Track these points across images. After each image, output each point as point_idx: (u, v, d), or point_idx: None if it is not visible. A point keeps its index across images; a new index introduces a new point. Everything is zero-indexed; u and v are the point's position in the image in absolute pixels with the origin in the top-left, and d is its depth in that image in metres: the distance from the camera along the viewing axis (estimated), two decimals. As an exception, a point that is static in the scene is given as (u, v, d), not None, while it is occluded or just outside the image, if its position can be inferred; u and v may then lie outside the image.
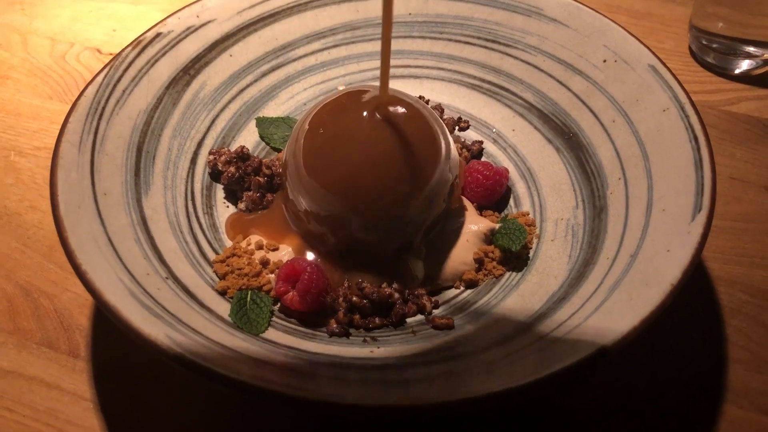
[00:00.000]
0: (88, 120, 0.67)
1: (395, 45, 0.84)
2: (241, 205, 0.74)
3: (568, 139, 0.76)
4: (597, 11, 0.79)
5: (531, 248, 0.70)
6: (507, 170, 0.75)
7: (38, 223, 0.79)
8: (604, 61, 0.76)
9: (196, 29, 0.79)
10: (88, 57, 1.01)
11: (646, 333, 0.52)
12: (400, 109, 0.65)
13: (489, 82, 0.83)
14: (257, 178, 0.73)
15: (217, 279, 0.66)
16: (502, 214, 0.74)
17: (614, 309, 0.55)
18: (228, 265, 0.67)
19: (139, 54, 0.74)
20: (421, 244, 0.68)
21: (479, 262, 0.69)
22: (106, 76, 0.71)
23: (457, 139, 0.80)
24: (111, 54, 1.01)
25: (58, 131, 0.65)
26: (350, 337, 0.63)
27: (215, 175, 0.76)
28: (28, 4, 1.11)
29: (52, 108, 0.94)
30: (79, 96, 0.68)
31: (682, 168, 0.64)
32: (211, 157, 0.75)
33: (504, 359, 0.55)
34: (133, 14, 1.09)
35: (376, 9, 0.86)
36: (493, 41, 0.84)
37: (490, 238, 0.70)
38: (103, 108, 0.69)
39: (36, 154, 0.87)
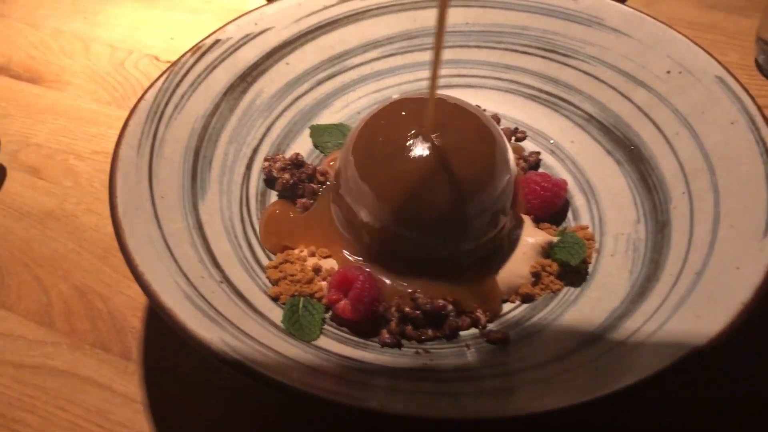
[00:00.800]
0: (147, 123, 0.67)
1: (451, 54, 0.84)
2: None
3: (629, 152, 0.74)
4: (661, 21, 0.77)
5: (590, 263, 0.68)
6: (566, 182, 0.74)
7: (94, 226, 0.80)
8: (668, 72, 0.74)
9: (254, 37, 0.80)
10: (146, 64, 1.03)
11: (713, 354, 0.49)
12: (461, 118, 0.64)
13: (547, 93, 0.82)
14: (311, 185, 0.73)
15: (269, 285, 0.66)
16: (560, 228, 0.72)
17: (679, 327, 0.53)
18: (281, 271, 0.66)
19: (198, 60, 0.75)
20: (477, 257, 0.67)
21: (536, 276, 0.67)
22: (165, 80, 0.71)
23: (516, 149, 0.78)
24: (168, 61, 1.03)
25: (115, 136, 0.66)
26: (402, 348, 0.62)
27: (270, 181, 0.76)
28: (91, 13, 1.14)
29: (110, 113, 0.95)
30: (139, 100, 0.69)
31: (752, 183, 0.61)
32: (266, 163, 0.76)
33: (561, 375, 0.54)
34: (192, 23, 1.11)
35: (432, 18, 0.85)
36: (552, 51, 0.82)
37: (547, 251, 0.68)
38: (162, 112, 0.69)
39: (94, 158, 0.89)
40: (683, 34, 0.74)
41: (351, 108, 0.84)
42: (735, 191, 0.62)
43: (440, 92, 0.80)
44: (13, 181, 0.86)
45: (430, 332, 0.63)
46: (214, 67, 0.76)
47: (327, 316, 0.65)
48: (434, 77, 0.60)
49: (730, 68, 0.71)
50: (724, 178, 0.63)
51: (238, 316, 0.56)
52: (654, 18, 0.77)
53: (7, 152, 0.89)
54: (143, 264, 0.55)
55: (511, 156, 0.67)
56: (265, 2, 1.06)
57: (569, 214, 0.74)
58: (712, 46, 1.00)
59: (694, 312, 0.54)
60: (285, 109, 0.81)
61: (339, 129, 0.81)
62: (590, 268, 0.68)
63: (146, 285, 0.53)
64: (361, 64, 0.85)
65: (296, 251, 0.69)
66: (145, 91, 0.70)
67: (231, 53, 0.78)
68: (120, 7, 1.15)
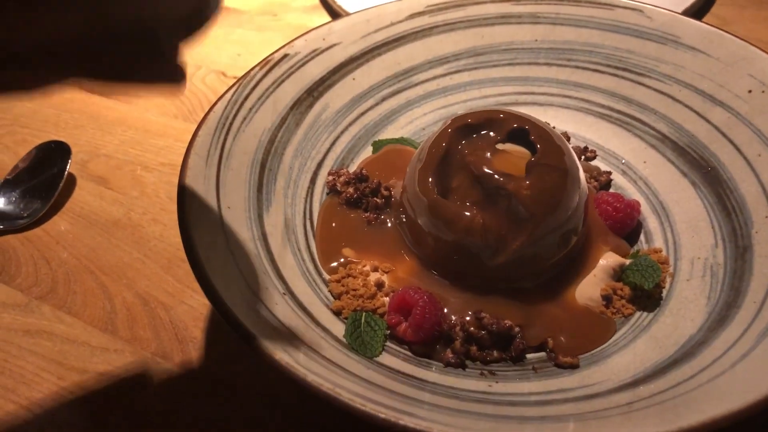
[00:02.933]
0: (216, 135, 0.68)
1: (520, 72, 0.83)
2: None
3: (706, 174, 0.71)
4: (741, 38, 0.74)
5: (664, 287, 0.65)
6: (638, 203, 0.71)
7: (159, 236, 0.81)
8: (750, 91, 0.71)
9: (322, 52, 0.80)
10: (213, 79, 1.05)
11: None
12: (533, 137, 0.63)
13: (618, 111, 0.80)
14: (374, 199, 0.72)
15: (332, 298, 0.65)
16: (632, 250, 0.70)
17: (766, 359, 0.50)
18: (343, 285, 0.65)
19: (266, 74, 0.75)
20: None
21: (607, 299, 0.64)
22: (234, 93, 0.72)
23: (588, 169, 0.76)
24: (235, 77, 1.04)
25: (181, 149, 0.67)
26: (466, 369, 0.60)
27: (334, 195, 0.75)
28: (161, 30, 1.16)
29: (177, 126, 0.97)
30: (209, 111, 0.69)
31: (843, 207, 0.58)
32: (330, 177, 0.75)
33: (636, 403, 0.51)
34: (258, 40, 1.12)
35: (501, 35, 0.85)
36: (624, 69, 0.80)
37: (619, 274, 0.65)
38: (230, 124, 0.70)
39: (160, 170, 0.90)
40: (766, 52, 0.71)
41: (415, 124, 0.84)
42: (825, 215, 0.58)
43: (509, 108, 0.79)
44: (82, 190, 0.88)
45: (495, 353, 0.61)
46: (282, 81, 0.76)
47: (389, 332, 0.63)
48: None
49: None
50: (813, 201, 0.60)
51: (301, 328, 0.56)
52: (734, 35, 0.74)
53: (77, 162, 0.91)
54: (211, 271, 0.54)
55: (582, 176, 0.65)
56: (329, 19, 1.06)
57: (642, 237, 0.71)
58: (792, 67, 0.96)
59: (782, 342, 0.50)
60: (350, 124, 0.81)
61: (400, 143, 0.80)
62: (664, 293, 0.65)
63: (213, 292, 0.53)
64: (427, 80, 0.85)
65: (359, 266, 0.68)
66: (215, 103, 0.70)
67: (299, 67, 0.78)
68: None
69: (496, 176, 0.61)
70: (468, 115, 0.68)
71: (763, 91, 0.69)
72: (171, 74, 1.06)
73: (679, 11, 0.96)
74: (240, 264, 0.59)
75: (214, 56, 1.10)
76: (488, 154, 0.63)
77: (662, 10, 0.79)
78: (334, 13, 1.11)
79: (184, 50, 1.11)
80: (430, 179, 0.64)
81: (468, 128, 0.66)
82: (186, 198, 0.60)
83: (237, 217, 0.64)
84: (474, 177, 0.62)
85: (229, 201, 0.65)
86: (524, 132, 0.65)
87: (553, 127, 0.78)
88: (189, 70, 1.07)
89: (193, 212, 0.59)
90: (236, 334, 0.50)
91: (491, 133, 0.64)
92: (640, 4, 0.80)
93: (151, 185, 0.88)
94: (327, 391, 0.46)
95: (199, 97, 1.02)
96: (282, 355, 0.49)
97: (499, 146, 0.65)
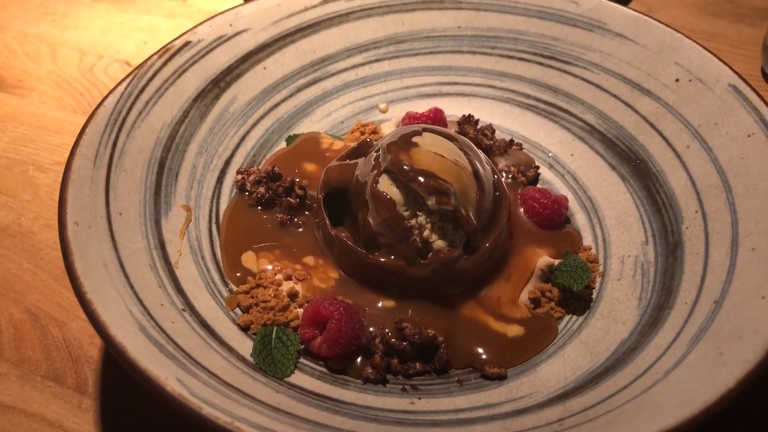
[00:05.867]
0: (107, 132, 0.61)
1: (442, 60, 0.79)
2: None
3: (635, 166, 0.68)
4: (668, 25, 0.71)
5: (594, 288, 0.62)
6: (566, 198, 0.68)
7: (53, 244, 0.74)
8: (677, 80, 0.68)
9: (229, 39, 0.74)
10: (117, 69, 0.97)
11: (743, 396, 0.43)
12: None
13: (545, 102, 0.76)
14: (288, 199, 0.67)
15: (240, 312, 0.59)
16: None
17: (700, 365, 0.47)
18: (252, 297, 0.60)
19: (165, 63, 0.68)
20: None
21: (535, 303, 0.61)
22: (129, 85, 0.65)
23: (518, 161, 0.72)
24: (141, 67, 0.96)
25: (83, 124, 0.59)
26: (387, 385, 0.55)
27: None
28: (60, 15, 1.07)
29: (76, 121, 0.88)
30: (98, 106, 0.62)
31: (774, 201, 0.55)
32: (239, 176, 0.69)
33: (567, 420, 0.47)
34: (167, 27, 1.04)
35: (422, 21, 0.80)
36: (550, 57, 0.76)
37: (547, 275, 0.62)
38: (124, 119, 0.63)
39: (56, 170, 0.82)
40: (693, 40, 0.69)
41: (333, 117, 0.78)
42: (754, 210, 0.56)
43: (431, 101, 0.75)
44: (-34, 194, 0.79)
45: (418, 366, 0.56)
46: (184, 71, 0.70)
47: (303, 347, 0.58)
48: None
49: (737, 77, 0.66)
50: (742, 196, 0.58)
51: (201, 349, 0.50)
52: (661, 22, 0.71)
53: (-41, 163, 0.82)
54: (93, 290, 0.48)
55: (489, 179, 0.61)
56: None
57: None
58: (717, 54, 0.95)
59: (716, 347, 0.47)
60: (261, 117, 0.75)
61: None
62: (594, 294, 0.62)
63: (94, 315, 0.46)
64: (345, 69, 0.79)
65: (270, 273, 0.62)
66: (105, 97, 0.63)
67: (203, 56, 0.71)
68: (91, 10, 1.08)
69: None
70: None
71: (690, 80, 0.67)
72: (70, 64, 0.97)
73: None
74: (132, 278, 0.53)
75: (118, 45, 1.01)
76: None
77: (588, -5, 0.75)
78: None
79: (85, 38, 1.02)
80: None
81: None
82: (67, 206, 0.53)
83: (130, 225, 0.57)
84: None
85: (121, 206, 0.58)
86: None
87: (476, 120, 0.74)
88: (91, 60, 0.98)
89: (75, 221, 0.52)
90: (120, 362, 0.44)
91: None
92: (566, -12, 0.76)
93: (45, 187, 0.80)
94: (224, 425, 0.41)
95: (101, 89, 0.94)
96: (174, 385, 0.43)
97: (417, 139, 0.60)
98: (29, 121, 0.89)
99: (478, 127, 0.74)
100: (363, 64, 0.79)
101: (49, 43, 1.02)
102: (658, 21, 0.72)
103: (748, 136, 0.60)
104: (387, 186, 0.58)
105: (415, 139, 0.60)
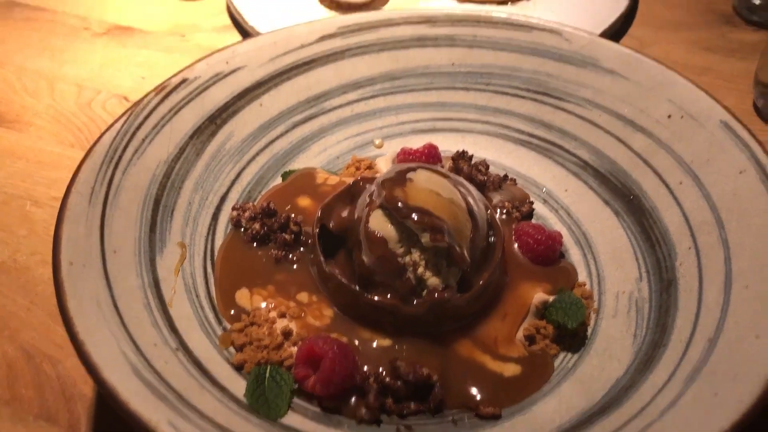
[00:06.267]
0: (102, 169, 0.61)
1: (437, 97, 0.79)
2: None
3: (629, 202, 0.69)
4: (659, 62, 0.72)
5: (589, 325, 0.62)
6: (560, 234, 0.68)
7: (48, 279, 0.73)
8: (669, 116, 0.69)
9: (225, 76, 0.74)
10: (115, 104, 0.97)
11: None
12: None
13: (539, 138, 0.77)
14: (283, 235, 0.67)
15: (233, 350, 0.59)
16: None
17: (696, 406, 0.47)
18: (246, 335, 0.59)
19: (162, 100, 0.69)
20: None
21: (530, 339, 0.60)
22: (125, 122, 0.65)
23: (512, 196, 0.72)
24: (138, 102, 0.97)
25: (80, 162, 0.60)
26: (381, 425, 0.55)
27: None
28: (59, 50, 1.08)
29: (74, 156, 0.89)
30: (95, 143, 0.63)
31: (766, 238, 0.55)
32: (235, 213, 0.69)
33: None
34: (165, 62, 1.05)
35: (416, 59, 0.81)
36: (544, 93, 0.77)
37: (542, 311, 0.62)
38: (120, 157, 0.63)
39: (53, 205, 0.82)
40: (685, 76, 0.69)
41: (329, 152, 0.79)
42: (748, 247, 0.56)
43: (426, 137, 0.75)
44: (-39, 229, 0.79)
45: (413, 406, 0.56)
46: (180, 108, 0.70)
47: (297, 386, 0.58)
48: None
49: (729, 112, 0.67)
50: (735, 233, 0.58)
51: (194, 390, 0.50)
52: (653, 59, 0.72)
53: (-43, 197, 0.82)
54: (85, 330, 0.48)
55: (483, 215, 0.62)
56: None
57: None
58: (709, 89, 0.95)
59: (711, 387, 0.47)
60: (257, 154, 0.75)
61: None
62: (589, 331, 0.61)
63: (86, 355, 0.46)
64: (341, 106, 0.80)
65: (264, 311, 0.62)
66: (102, 134, 0.64)
67: (199, 93, 0.72)
68: (90, 45, 1.09)
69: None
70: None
71: (682, 117, 0.68)
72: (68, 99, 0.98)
73: (598, 32, 0.96)
74: (125, 317, 0.52)
75: (116, 79, 1.02)
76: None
77: (581, 33, 0.76)
78: (246, 34, 1.06)
79: (83, 73, 1.03)
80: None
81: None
82: (62, 245, 0.53)
83: (124, 263, 0.57)
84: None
85: (116, 244, 0.58)
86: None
87: (470, 156, 0.75)
88: (88, 95, 0.99)
89: (69, 260, 0.52)
90: (111, 404, 0.44)
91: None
92: (559, 26, 0.77)
93: (42, 222, 0.80)
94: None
95: (99, 124, 0.94)
96: (165, 429, 0.43)
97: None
98: (27, 156, 0.89)
99: (473, 162, 0.74)
100: (358, 101, 0.80)
101: (47, 78, 1.03)
102: (650, 58, 0.73)
103: (740, 172, 0.61)
104: (381, 222, 0.58)
105: (409, 176, 0.60)
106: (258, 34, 1.00)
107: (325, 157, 0.78)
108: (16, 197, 0.83)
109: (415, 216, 0.57)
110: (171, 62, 1.05)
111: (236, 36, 1.10)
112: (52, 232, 0.77)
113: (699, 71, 1.00)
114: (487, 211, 0.63)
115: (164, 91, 0.70)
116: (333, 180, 0.74)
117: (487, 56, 0.79)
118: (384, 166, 0.76)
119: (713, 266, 0.58)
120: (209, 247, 0.67)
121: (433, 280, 0.58)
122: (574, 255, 0.69)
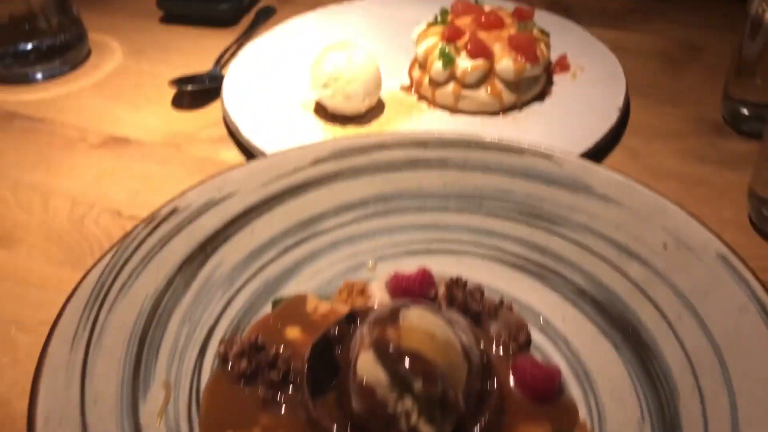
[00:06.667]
0: (86, 311, 0.60)
1: (429, 219, 0.79)
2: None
3: (628, 334, 0.67)
4: (653, 189, 0.72)
5: (591, 472, 0.59)
6: (559, 371, 0.66)
7: (28, 413, 0.70)
8: (665, 245, 0.68)
9: (217, 203, 0.74)
10: (107, 220, 0.97)
11: None
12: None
13: (534, 262, 0.76)
14: (270, 375, 0.64)
15: (218, 506, 0.56)
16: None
17: None
18: (232, 490, 0.57)
19: (151, 232, 0.68)
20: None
21: (529, 490, 0.58)
22: (112, 258, 0.64)
23: (507, 325, 0.70)
24: (132, 216, 0.96)
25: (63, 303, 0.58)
26: None
27: (226, 367, 0.67)
28: (55, 162, 1.08)
29: (63, 275, 0.87)
30: (80, 282, 0.61)
31: (773, 385, 0.54)
32: (222, 347, 0.67)
33: None
34: (160, 175, 1.05)
35: (410, 180, 0.81)
36: (537, 217, 0.77)
37: (541, 458, 0.59)
38: (106, 294, 0.62)
39: (38, 330, 0.79)
40: (680, 206, 0.69)
41: (322, 276, 0.77)
42: (754, 395, 0.54)
43: (420, 259, 0.74)
44: (-62, 359, 0.77)
45: None
46: (170, 239, 0.69)
47: None
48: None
49: (724, 226, 0.66)
50: (740, 378, 0.56)
51: None
52: (646, 186, 0.72)
53: (-61, 322, 0.81)
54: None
55: (474, 355, 0.60)
56: (237, 152, 1.02)
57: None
58: (705, 202, 0.95)
59: None
60: (248, 281, 0.74)
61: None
62: (592, 478, 0.59)
63: None
64: (334, 228, 0.79)
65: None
66: (88, 271, 0.63)
67: (190, 222, 0.72)
68: (86, 157, 1.10)
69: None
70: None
71: (677, 247, 0.67)
72: (61, 215, 0.97)
73: (592, 143, 0.96)
74: (102, 478, 0.50)
75: (110, 193, 1.02)
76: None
77: (571, 158, 0.77)
78: (241, 146, 1.06)
79: (78, 186, 1.03)
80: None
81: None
82: (38, 400, 0.51)
83: (104, 413, 0.55)
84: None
85: (97, 389, 0.56)
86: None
87: (465, 282, 0.73)
88: (81, 210, 0.99)
89: (45, 418, 0.50)
90: None
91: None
92: (549, 150, 0.78)
93: (26, 349, 0.78)
94: None
95: (91, 242, 0.93)
96: None
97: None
98: (15, 276, 0.88)
99: (467, 289, 0.73)
100: (351, 223, 0.80)
101: (41, 192, 1.02)
102: (643, 185, 0.72)
103: (740, 309, 0.60)
104: (371, 368, 0.56)
105: (401, 315, 0.59)
106: (253, 146, 1.01)
107: (317, 281, 0.77)
108: (1, 321, 0.81)
109: (407, 362, 0.55)
110: (166, 175, 1.05)
111: (232, 147, 1.10)
112: (35, 360, 0.76)
113: (693, 183, 1.00)
114: (482, 351, 0.62)
115: (153, 222, 0.69)
116: (324, 308, 0.72)
117: (478, 179, 0.79)
118: (377, 290, 0.75)
119: (718, 414, 0.55)
120: (195, 385, 0.64)
121: (426, 429, 0.56)
122: (574, 390, 0.66)
